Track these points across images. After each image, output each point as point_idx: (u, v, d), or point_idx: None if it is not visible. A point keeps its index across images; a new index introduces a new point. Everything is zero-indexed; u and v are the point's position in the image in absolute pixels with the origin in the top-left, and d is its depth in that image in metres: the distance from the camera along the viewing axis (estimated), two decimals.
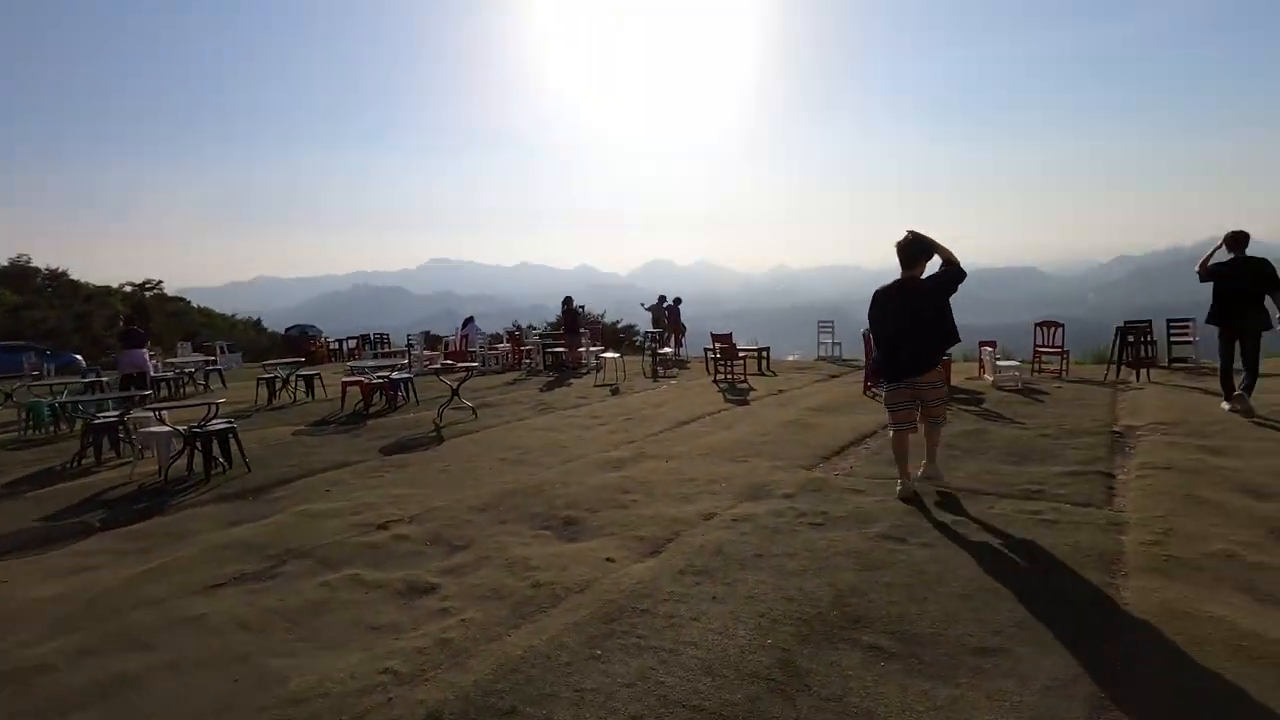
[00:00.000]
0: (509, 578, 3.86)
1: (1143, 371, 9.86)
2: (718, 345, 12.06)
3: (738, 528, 4.47)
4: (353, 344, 21.02)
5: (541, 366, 15.62)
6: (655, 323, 17.35)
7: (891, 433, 5.06)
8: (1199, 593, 3.30)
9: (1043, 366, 11.23)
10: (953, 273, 4.72)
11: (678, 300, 17.40)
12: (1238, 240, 7.12)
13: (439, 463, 6.80)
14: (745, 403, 9.58)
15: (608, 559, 4.05)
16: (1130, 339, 10.13)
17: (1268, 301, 6.98)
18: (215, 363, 15.96)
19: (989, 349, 10.46)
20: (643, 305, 17.90)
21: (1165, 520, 4.21)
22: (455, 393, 9.54)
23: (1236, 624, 2.97)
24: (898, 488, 4.97)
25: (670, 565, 3.90)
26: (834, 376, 12.16)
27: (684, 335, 17.57)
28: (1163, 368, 10.78)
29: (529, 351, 16.65)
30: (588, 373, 14.07)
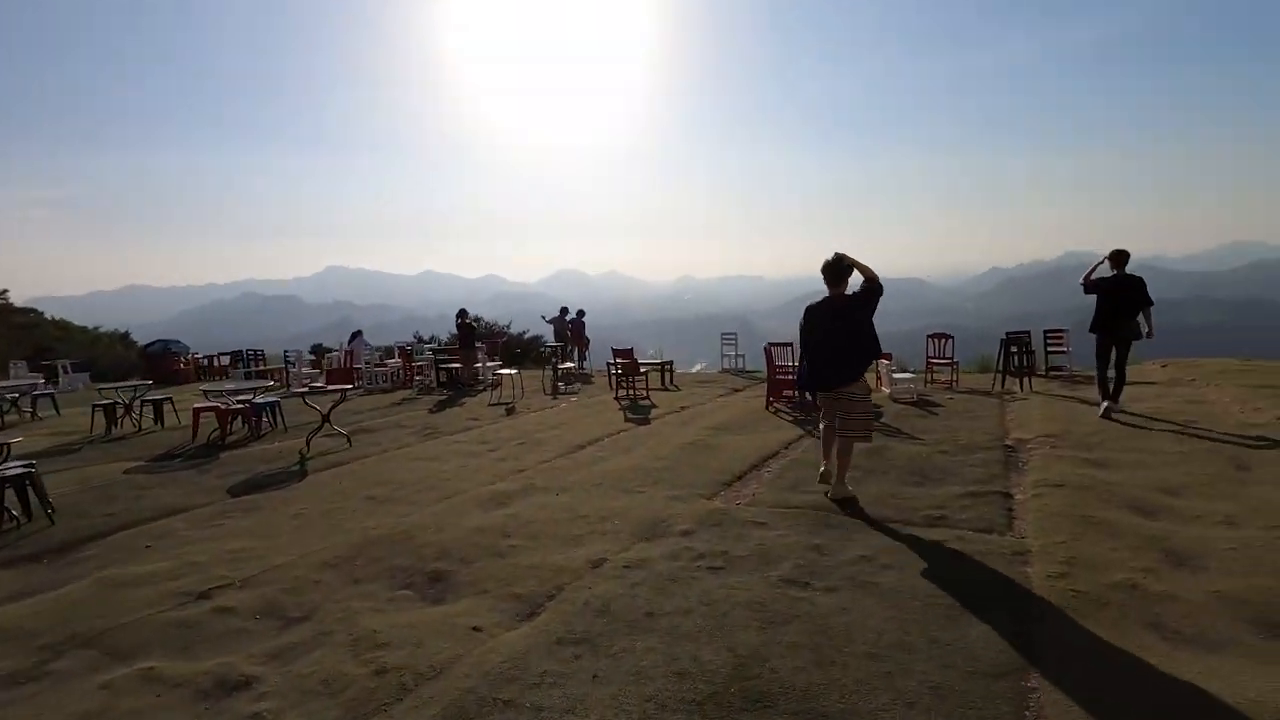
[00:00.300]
0: (350, 661, 3.18)
1: (1025, 381, 10.23)
2: (619, 361, 11.59)
3: (629, 577, 3.97)
4: (226, 360, 19.05)
5: (434, 384, 14.65)
6: (557, 336, 16.74)
7: (821, 426, 5.59)
8: (1110, 633, 3.10)
9: (935, 377, 11.51)
10: (873, 289, 5.01)
11: (581, 313, 16.86)
12: (1119, 258, 7.72)
13: (295, 504, 5.92)
14: (646, 422, 9.16)
15: (474, 628, 3.44)
16: (1014, 349, 10.51)
17: (1140, 315, 7.70)
18: (47, 385, 13.92)
19: (885, 361, 10.56)
20: (543, 317, 17.23)
21: (1067, 547, 4.07)
22: (325, 418, 8.57)
23: (1151, 670, 2.77)
24: (820, 469, 5.51)
25: (547, 632, 3.35)
26: (737, 391, 11.98)
27: (588, 348, 17.05)
28: (1040, 375, 11.28)
29: (421, 368, 15.61)
30: (484, 390, 13.27)
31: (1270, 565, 3.71)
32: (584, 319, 16.77)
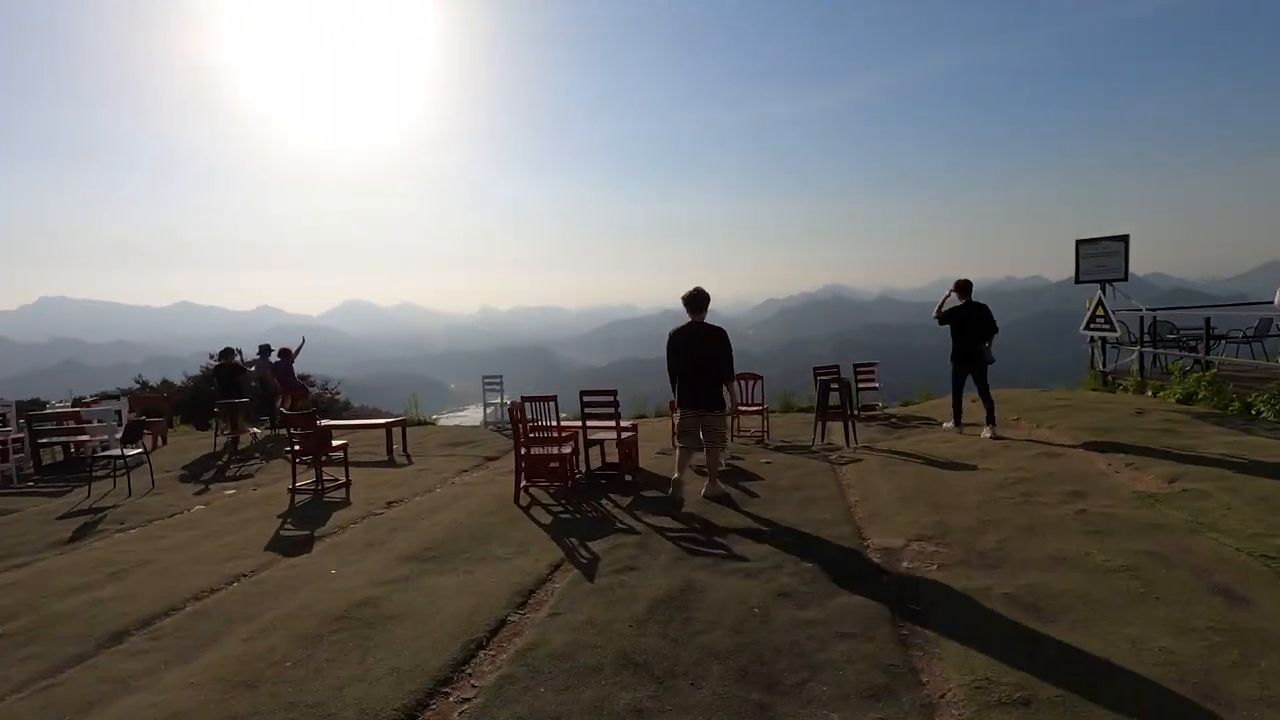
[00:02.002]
0: None
1: (849, 428, 8.14)
2: (297, 430, 7.38)
3: None
4: None
5: (33, 468, 9.43)
6: (225, 392, 11.69)
7: (677, 451, 5.89)
8: None
9: (741, 427, 9.18)
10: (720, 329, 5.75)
11: (285, 353, 12.40)
12: (965, 288, 7.97)
13: None
14: (309, 544, 5.47)
15: None
16: (834, 387, 8.45)
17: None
18: None
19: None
20: (211, 357, 12.46)
21: None
22: None
23: None
24: (672, 480, 5.75)
25: None
26: (491, 460, 8.69)
27: (306, 400, 12.66)
28: (854, 416, 9.42)
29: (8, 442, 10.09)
30: (117, 475, 8.47)
31: None
32: (292, 361, 12.37)
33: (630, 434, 6.95)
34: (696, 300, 5.66)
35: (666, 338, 5.79)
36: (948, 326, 7.94)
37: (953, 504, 5.27)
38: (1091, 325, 11.70)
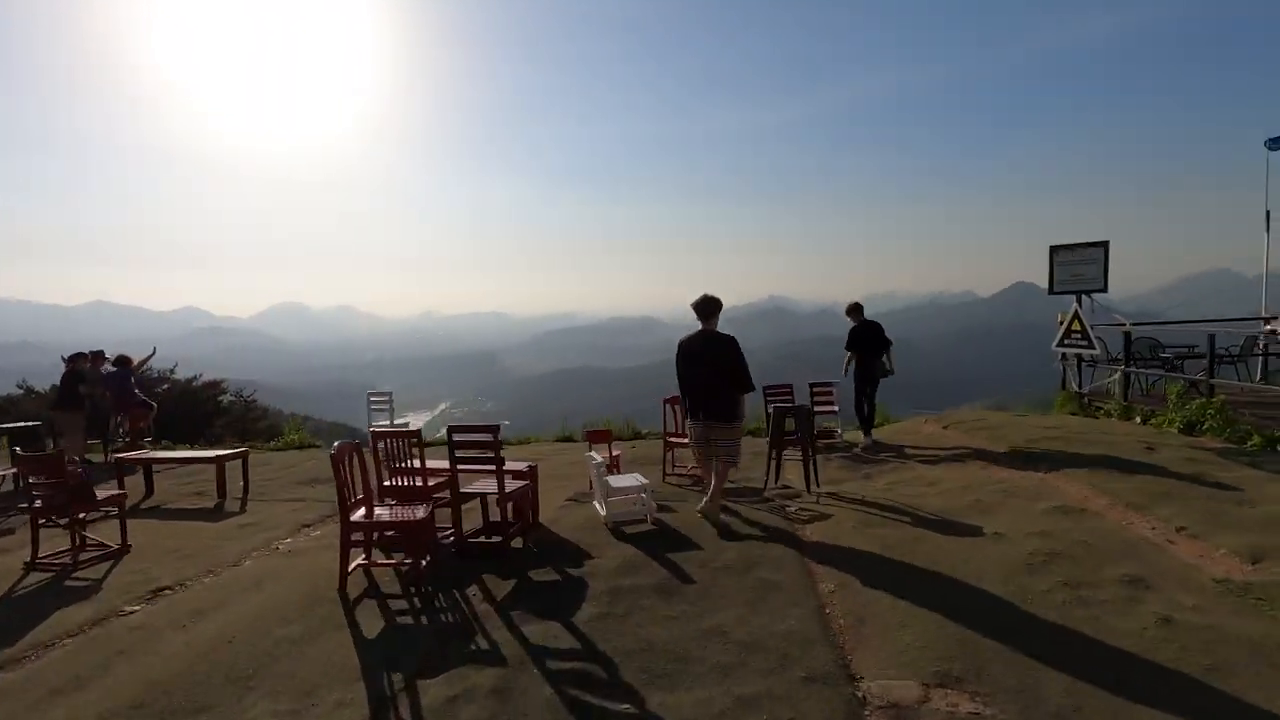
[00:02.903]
0: None
1: (810, 469, 6.43)
2: (39, 479, 5.03)
3: None
4: None
5: None
6: (66, 401, 9.43)
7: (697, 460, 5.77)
8: None
9: (675, 462, 7.41)
10: (730, 336, 5.29)
11: (125, 361, 10.02)
12: (856, 309, 8.63)
13: None
14: None
15: None
16: (790, 417, 6.75)
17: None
18: None
19: (596, 454, 6.07)
20: (64, 360, 9.98)
21: None
22: None
23: None
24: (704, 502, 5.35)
25: None
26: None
27: (148, 421, 10.26)
28: (815, 453, 7.77)
29: None
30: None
31: None
32: (132, 373, 9.97)
33: (523, 483, 5.09)
34: (707, 307, 5.33)
35: (678, 346, 5.44)
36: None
37: (972, 604, 3.61)
38: (1067, 341, 10.51)
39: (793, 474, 6.68)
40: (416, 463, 4.61)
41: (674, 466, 7.24)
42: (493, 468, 4.77)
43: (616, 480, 5.52)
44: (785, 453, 6.71)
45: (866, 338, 8.36)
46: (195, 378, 16.72)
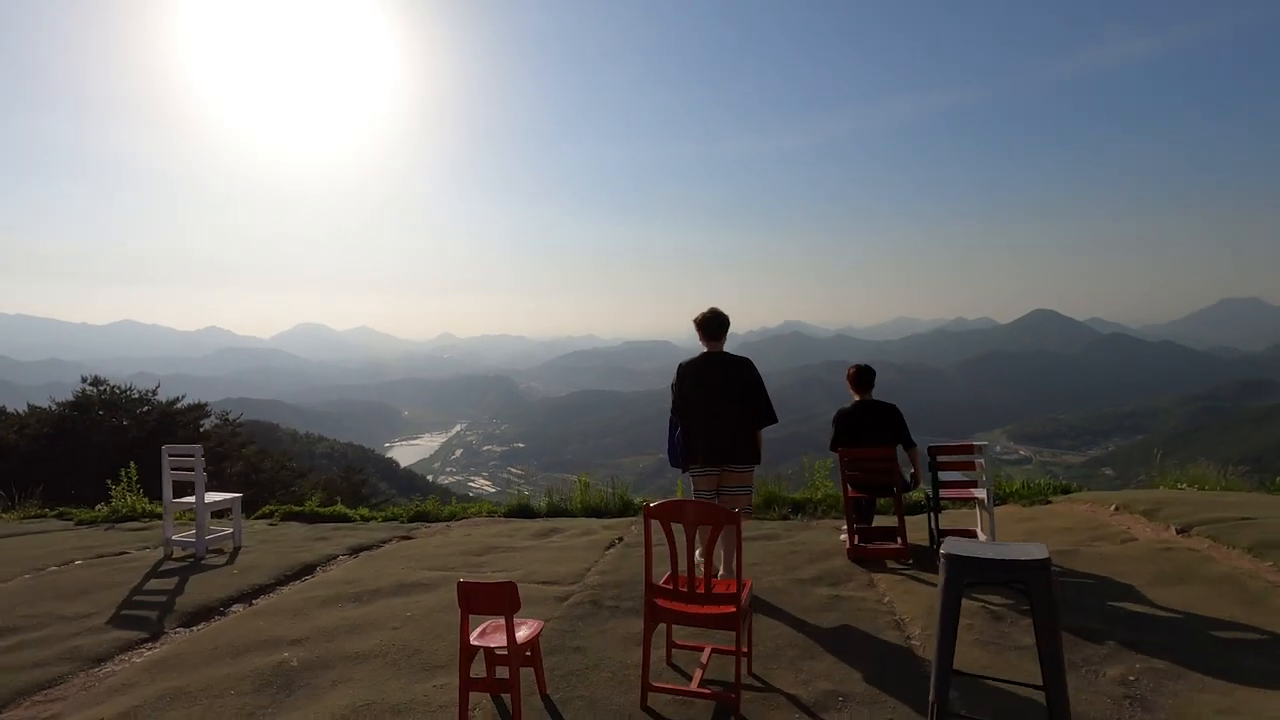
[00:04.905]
0: None
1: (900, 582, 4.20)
2: None
3: None
4: None
5: None
6: None
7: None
8: None
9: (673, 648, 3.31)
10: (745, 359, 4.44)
11: None
12: (861, 376, 5.26)
13: None
14: None
15: None
16: (863, 500, 4.98)
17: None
18: None
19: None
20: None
21: None
22: None
23: None
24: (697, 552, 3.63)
25: None
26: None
27: None
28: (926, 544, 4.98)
29: None
30: None
31: None
32: None
33: (529, 634, 2.81)
34: (714, 324, 4.41)
35: (676, 372, 4.47)
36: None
37: None
38: None
39: (900, 599, 3.99)
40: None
41: (671, 652, 3.25)
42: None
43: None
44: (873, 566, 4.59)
45: (868, 428, 4.89)
46: (178, 400, 15.54)
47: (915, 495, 5.59)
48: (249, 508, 7.64)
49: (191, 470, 5.65)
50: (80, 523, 7.47)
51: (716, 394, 4.29)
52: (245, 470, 14.76)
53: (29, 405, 13.69)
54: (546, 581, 4.56)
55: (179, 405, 15.38)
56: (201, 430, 15.14)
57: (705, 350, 4.43)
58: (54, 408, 13.49)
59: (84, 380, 14.25)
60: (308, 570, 5.24)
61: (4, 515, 8.12)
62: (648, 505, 2.89)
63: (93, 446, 12.26)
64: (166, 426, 14.17)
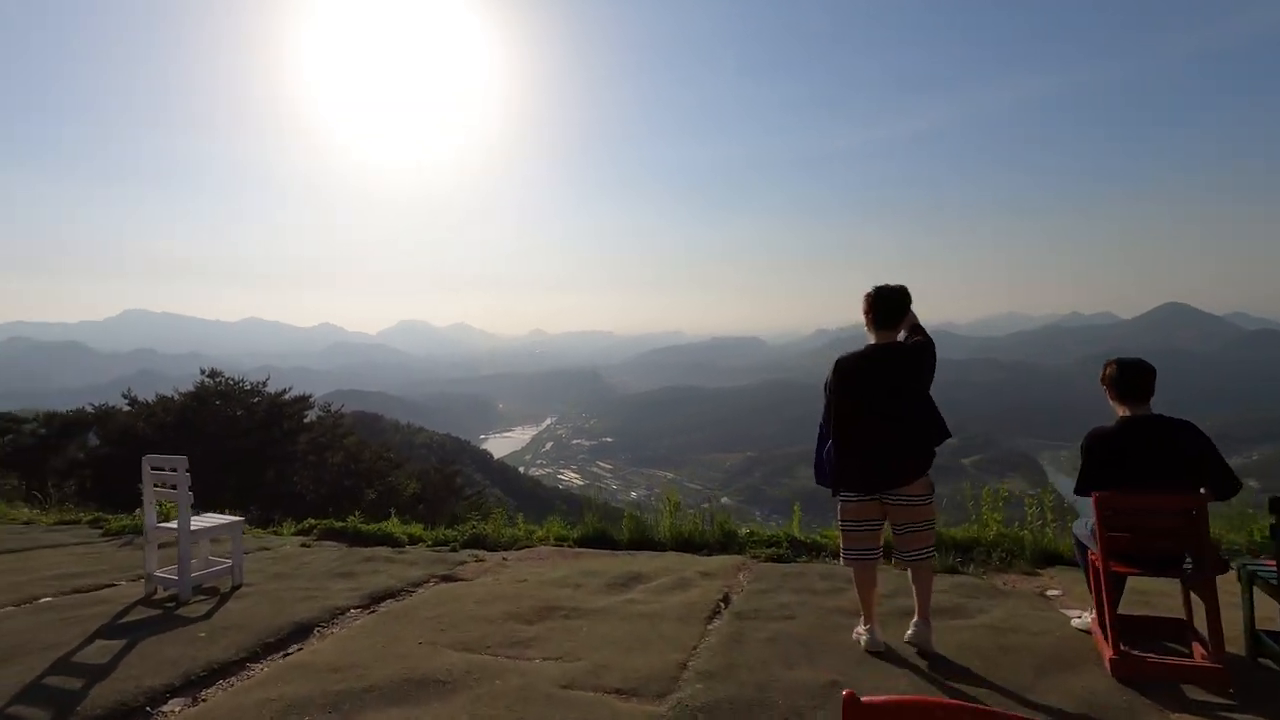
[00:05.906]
0: None
1: None
2: None
3: None
4: None
5: None
6: None
7: (851, 568, 3.48)
8: None
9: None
10: (925, 344, 3.36)
11: None
12: (1131, 376, 3.33)
13: None
14: None
15: None
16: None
17: None
18: None
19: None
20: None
21: None
22: None
23: None
24: (863, 637, 3.31)
25: None
26: None
27: None
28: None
29: None
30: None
31: None
32: None
33: None
34: (890, 304, 3.36)
35: (832, 369, 3.43)
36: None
37: None
38: None
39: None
40: None
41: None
42: None
43: None
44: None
45: (1147, 460, 3.07)
46: (284, 391, 15.72)
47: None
48: (340, 502, 7.55)
49: (175, 488, 4.21)
50: (109, 533, 6.65)
51: (888, 398, 3.27)
52: (345, 460, 15.27)
53: (157, 395, 14.75)
54: (620, 690, 2.93)
55: (285, 397, 15.61)
56: (305, 421, 15.41)
57: (872, 343, 3.37)
58: (177, 398, 14.49)
59: (202, 372, 15.21)
60: (299, 635, 3.77)
61: (41, 517, 7.63)
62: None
63: (208, 437, 13.07)
64: (274, 417, 14.51)
